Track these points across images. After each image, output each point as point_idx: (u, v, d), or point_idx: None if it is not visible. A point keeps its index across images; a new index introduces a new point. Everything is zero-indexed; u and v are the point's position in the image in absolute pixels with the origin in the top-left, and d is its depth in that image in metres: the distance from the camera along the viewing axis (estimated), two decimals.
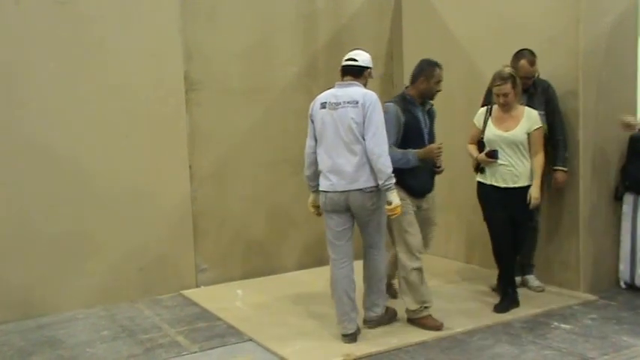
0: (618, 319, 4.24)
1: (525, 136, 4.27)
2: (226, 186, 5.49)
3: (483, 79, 4.80)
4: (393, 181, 3.81)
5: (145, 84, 5.07)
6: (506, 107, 4.30)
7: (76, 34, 4.80)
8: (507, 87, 4.22)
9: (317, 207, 4.11)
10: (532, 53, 4.52)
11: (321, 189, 3.98)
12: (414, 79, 4.25)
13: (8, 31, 4.58)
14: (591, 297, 4.63)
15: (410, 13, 6.19)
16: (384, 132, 3.82)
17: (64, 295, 4.81)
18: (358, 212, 3.91)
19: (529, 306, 4.44)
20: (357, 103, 3.82)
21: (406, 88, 4.31)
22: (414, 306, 4.13)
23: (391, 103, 4.18)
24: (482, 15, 5.32)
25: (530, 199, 4.27)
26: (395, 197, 3.83)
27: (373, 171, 3.82)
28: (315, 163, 4.00)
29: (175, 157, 5.23)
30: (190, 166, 5.32)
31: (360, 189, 3.84)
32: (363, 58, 3.99)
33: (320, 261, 5.72)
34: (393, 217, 3.92)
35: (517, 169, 4.28)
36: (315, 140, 3.99)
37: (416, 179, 4.17)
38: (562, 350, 3.79)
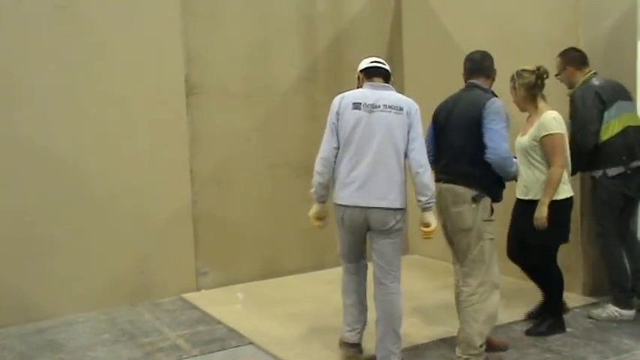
0: (619, 322, 4.23)
1: (533, 143, 3.92)
2: (227, 189, 5.49)
3: None
4: (435, 200, 3.47)
5: (146, 87, 5.08)
6: (520, 109, 4.07)
7: (77, 37, 4.81)
8: (510, 87, 4.06)
9: (321, 219, 3.67)
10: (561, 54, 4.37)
11: (336, 201, 3.49)
12: (488, 71, 3.77)
13: (9, 33, 4.59)
14: (591, 300, 4.62)
15: (410, 17, 6.20)
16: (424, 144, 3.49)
17: (64, 299, 4.81)
18: (377, 231, 3.45)
19: (530, 309, 4.43)
20: (401, 109, 3.42)
21: (472, 82, 3.76)
22: (480, 340, 3.59)
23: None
24: (482, 18, 5.32)
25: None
26: (434, 218, 3.46)
27: (403, 189, 3.43)
28: (333, 169, 3.52)
29: (176, 161, 5.24)
30: (191, 170, 5.33)
31: (386, 207, 3.40)
32: (386, 64, 3.64)
33: (321, 264, 5.73)
34: (427, 239, 3.52)
35: (525, 180, 3.97)
36: (339, 144, 3.50)
37: (502, 191, 3.73)
38: (563, 353, 3.78)
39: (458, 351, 3.63)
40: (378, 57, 3.70)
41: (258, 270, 5.61)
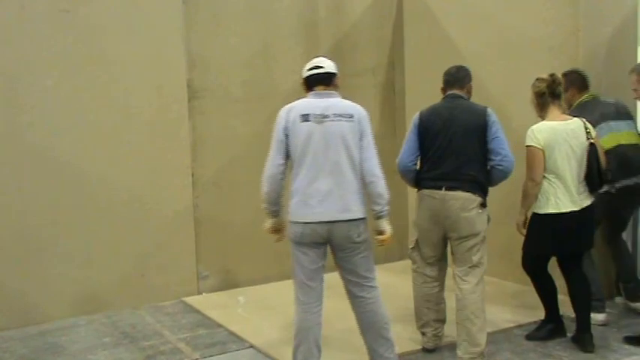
0: (619, 326, 4.24)
1: None
2: (228, 193, 5.50)
3: (484, 89, 4.82)
4: (388, 207, 3.38)
5: (148, 92, 5.10)
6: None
7: (80, 42, 4.84)
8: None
9: (278, 231, 3.54)
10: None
11: (296, 219, 3.31)
12: (462, 82, 3.87)
13: (12, 38, 4.62)
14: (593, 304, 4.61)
15: (411, 22, 6.22)
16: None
17: (65, 302, 4.83)
18: (342, 246, 3.30)
19: (530, 313, 4.44)
20: (351, 116, 3.29)
21: (453, 93, 3.83)
22: (484, 337, 3.62)
23: None
24: (483, 24, 5.34)
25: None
26: (389, 226, 3.39)
27: (363, 198, 3.32)
28: (282, 187, 3.40)
29: (178, 165, 5.26)
30: (193, 174, 5.34)
31: (350, 219, 3.26)
32: (328, 64, 3.44)
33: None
34: (381, 246, 3.46)
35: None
36: (286, 159, 3.37)
37: None
38: (563, 358, 3.80)
39: (459, 352, 3.64)
40: (321, 57, 3.54)
41: (259, 274, 5.62)
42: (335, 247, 3.34)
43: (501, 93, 5.06)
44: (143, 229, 5.12)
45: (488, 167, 3.71)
